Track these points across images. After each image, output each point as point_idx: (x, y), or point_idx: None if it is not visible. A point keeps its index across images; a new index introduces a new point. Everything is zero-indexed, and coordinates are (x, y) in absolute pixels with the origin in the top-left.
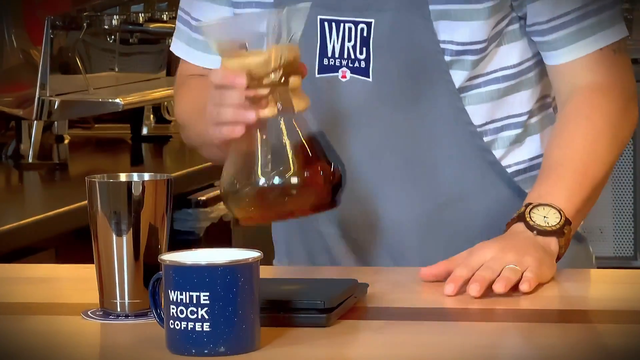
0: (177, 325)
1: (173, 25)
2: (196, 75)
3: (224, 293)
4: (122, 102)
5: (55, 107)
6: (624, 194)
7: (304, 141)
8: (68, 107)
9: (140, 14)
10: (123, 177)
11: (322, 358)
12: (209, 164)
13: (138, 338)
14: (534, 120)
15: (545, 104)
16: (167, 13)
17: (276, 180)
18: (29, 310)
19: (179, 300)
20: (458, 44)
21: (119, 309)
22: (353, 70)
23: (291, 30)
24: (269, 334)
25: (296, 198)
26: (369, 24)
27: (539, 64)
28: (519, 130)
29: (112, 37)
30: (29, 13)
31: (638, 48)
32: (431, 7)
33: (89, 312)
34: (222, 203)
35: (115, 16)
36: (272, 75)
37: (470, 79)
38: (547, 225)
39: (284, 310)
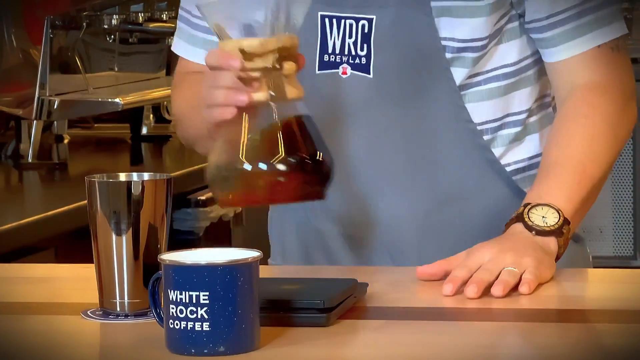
0: (177, 324)
1: (173, 25)
2: (195, 72)
3: (223, 293)
4: (122, 102)
5: (55, 106)
6: (623, 194)
7: (293, 129)
8: (68, 107)
9: (139, 14)
10: (123, 176)
11: (321, 358)
12: None
13: (138, 338)
14: (533, 119)
15: (545, 104)
16: (166, 13)
17: (262, 165)
18: (28, 310)
19: (178, 300)
20: (459, 41)
21: (118, 309)
22: (354, 67)
23: (291, 17)
24: (268, 334)
25: (281, 185)
26: (370, 21)
27: (538, 62)
28: (518, 129)
29: (112, 36)
30: (29, 13)
31: (638, 47)
32: (433, 4)
33: (88, 312)
34: None
35: (114, 16)
36: (267, 59)
37: (471, 76)
38: (545, 225)
39: (283, 310)
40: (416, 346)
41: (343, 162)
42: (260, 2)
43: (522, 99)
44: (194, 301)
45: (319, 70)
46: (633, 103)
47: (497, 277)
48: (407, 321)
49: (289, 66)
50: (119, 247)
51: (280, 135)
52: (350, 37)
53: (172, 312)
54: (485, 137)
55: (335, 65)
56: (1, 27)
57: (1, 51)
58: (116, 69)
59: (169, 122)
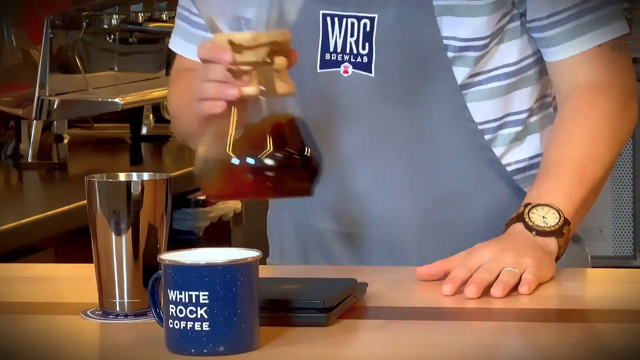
0: (177, 324)
1: (173, 25)
2: (191, 69)
3: (223, 292)
4: (122, 102)
5: (55, 106)
6: (623, 194)
7: (282, 124)
8: (67, 107)
9: (139, 14)
10: (122, 176)
11: (321, 357)
12: None
13: (137, 337)
14: (533, 119)
15: (545, 104)
16: (166, 12)
17: (249, 159)
18: (28, 310)
19: (178, 300)
20: (461, 40)
21: (118, 309)
22: (355, 66)
23: (284, 11)
24: (268, 334)
25: (268, 180)
26: (372, 19)
27: (539, 61)
28: (519, 128)
29: (112, 36)
30: (29, 12)
31: (637, 47)
32: (435, 3)
33: (88, 312)
34: (221, 203)
35: (114, 16)
36: (258, 53)
37: (472, 76)
38: (546, 225)
39: (283, 310)
40: (416, 346)
41: (344, 160)
42: None
43: (523, 99)
44: (194, 301)
45: (320, 69)
46: (634, 103)
47: (497, 277)
48: (406, 321)
49: (280, 61)
50: (118, 247)
51: (268, 130)
52: (352, 35)
53: (172, 312)
54: (486, 137)
55: (337, 64)
56: (1, 27)
57: (1, 51)
58: (116, 68)
59: (168, 122)
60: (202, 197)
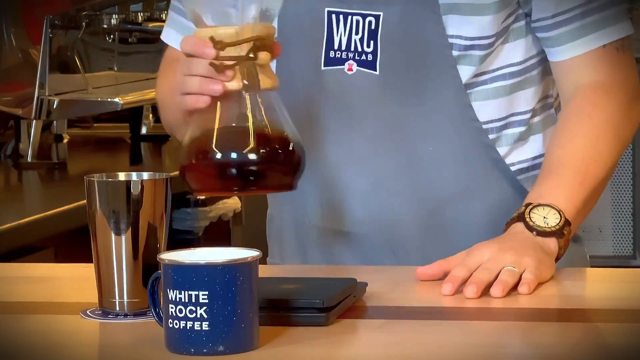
0: (176, 324)
1: None
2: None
3: (222, 292)
4: (121, 102)
5: (54, 106)
6: (623, 194)
7: (265, 119)
8: (67, 107)
9: (139, 14)
10: (122, 176)
11: (321, 357)
12: None
13: (137, 337)
14: (536, 119)
15: (547, 104)
16: (165, 12)
17: (233, 155)
18: (28, 310)
19: (177, 300)
20: (466, 38)
21: (117, 308)
22: (360, 63)
23: (269, 7)
24: (268, 333)
25: (251, 175)
26: (377, 17)
27: (543, 62)
28: (522, 129)
29: (111, 36)
30: (28, 12)
31: (637, 47)
32: (440, 1)
33: (87, 311)
34: (221, 202)
35: (114, 15)
36: (241, 47)
37: (477, 75)
38: (546, 225)
39: (283, 309)
40: (415, 346)
41: (347, 158)
42: None
43: (527, 99)
44: (193, 301)
45: (324, 66)
46: (637, 103)
47: (496, 277)
48: (406, 320)
49: (263, 56)
50: (118, 247)
51: (251, 126)
52: (356, 33)
53: (172, 312)
54: (490, 136)
55: (341, 61)
56: (0, 27)
57: (0, 51)
58: (115, 68)
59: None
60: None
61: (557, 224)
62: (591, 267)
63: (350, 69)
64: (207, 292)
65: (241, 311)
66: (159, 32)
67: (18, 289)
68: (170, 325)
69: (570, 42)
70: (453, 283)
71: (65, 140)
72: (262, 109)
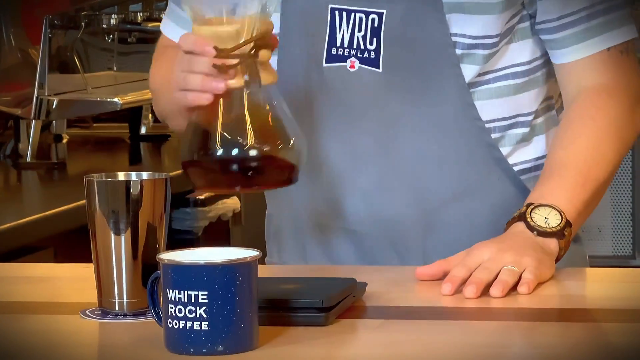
0: (176, 324)
1: None
2: (173, 47)
3: (222, 292)
4: (121, 102)
5: (54, 106)
6: (622, 194)
7: (266, 115)
8: (66, 107)
9: (138, 13)
10: (121, 176)
11: (320, 357)
12: None
13: (136, 337)
14: (539, 120)
15: (550, 105)
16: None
17: (235, 151)
18: (27, 310)
19: (177, 299)
20: (470, 37)
21: (117, 308)
22: (362, 61)
23: (266, 3)
24: (267, 333)
25: (254, 171)
26: (380, 15)
27: (548, 63)
28: (526, 129)
29: (111, 36)
30: (28, 12)
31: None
32: (444, 0)
33: (87, 311)
34: (220, 202)
35: (113, 15)
36: (242, 47)
37: (481, 74)
38: (547, 226)
39: (282, 309)
40: (415, 345)
41: (349, 155)
42: None
43: (531, 100)
44: (193, 300)
45: (326, 63)
46: None
47: (496, 277)
48: (406, 320)
49: (264, 53)
50: (117, 247)
51: (253, 121)
52: (359, 30)
53: (171, 312)
54: (493, 135)
55: (343, 58)
56: (0, 27)
57: (0, 51)
58: (115, 68)
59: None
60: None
61: (558, 224)
62: (590, 267)
63: (352, 66)
64: (206, 292)
65: (241, 311)
66: (159, 32)
67: (18, 289)
68: (170, 325)
69: (574, 45)
70: (453, 283)
71: (64, 140)
72: (264, 104)
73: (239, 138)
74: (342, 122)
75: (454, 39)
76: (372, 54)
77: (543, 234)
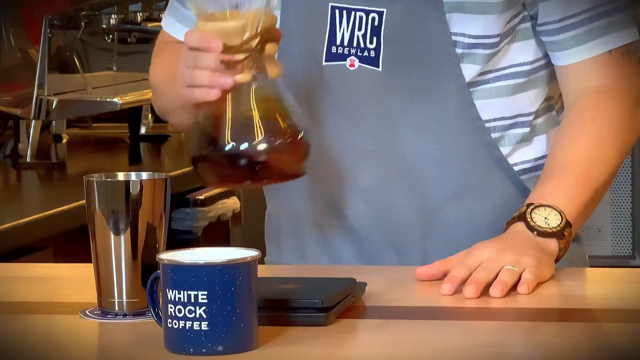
0: (175, 324)
1: None
2: (173, 43)
3: (222, 292)
4: (120, 102)
5: (53, 106)
6: (622, 194)
7: (275, 108)
8: (66, 107)
9: (138, 13)
10: (121, 176)
11: (320, 357)
12: None
13: (136, 337)
14: (539, 120)
15: (550, 106)
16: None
17: (244, 146)
18: (27, 310)
19: (177, 299)
20: (470, 36)
21: (116, 308)
22: (362, 60)
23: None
24: (267, 333)
25: (263, 165)
26: (380, 14)
27: (550, 64)
28: (526, 129)
29: (110, 36)
30: (27, 12)
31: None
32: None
33: (87, 311)
34: (220, 202)
35: (113, 15)
36: (249, 42)
37: (481, 74)
38: (547, 226)
39: (282, 309)
40: (415, 345)
41: (348, 154)
42: None
43: (531, 100)
44: (193, 300)
45: (325, 61)
46: None
47: (496, 277)
48: (405, 320)
49: (270, 47)
50: (117, 247)
51: (262, 115)
52: (359, 29)
53: (171, 312)
54: (493, 135)
55: (343, 57)
56: (0, 27)
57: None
58: (114, 68)
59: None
60: (201, 197)
61: (558, 225)
62: (590, 267)
63: (352, 65)
64: (206, 292)
65: (240, 311)
66: (158, 32)
67: (17, 289)
68: (170, 325)
69: (576, 47)
70: (452, 283)
71: (64, 140)
72: (271, 97)
73: (248, 132)
74: (341, 120)
75: (454, 38)
76: (372, 53)
77: (543, 234)
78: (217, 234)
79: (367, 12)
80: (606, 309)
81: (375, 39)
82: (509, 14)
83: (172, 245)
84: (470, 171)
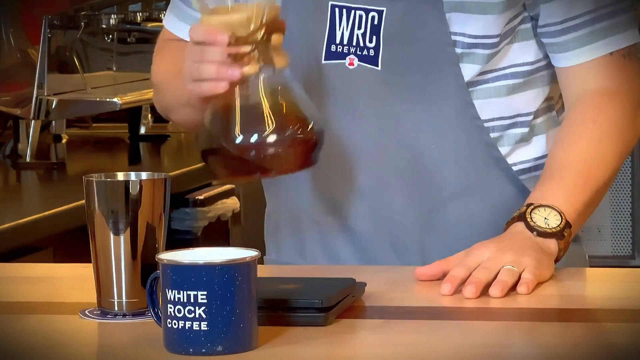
0: (175, 324)
1: None
2: (175, 40)
3: (221, 292)
4: (120, 102)
5: (53, 106)
6: (622, 194)
7: (283, 99)
8: (66, 107)
9: (137, 13)
10: (120, 176)
11: (320, 357)
12: None
13: (135, 337)
14: (539, 120)
15: (550, 106)
16: (164, 12)
17: (254, 138)
18: (26, 310)
19: (176, 299)
20: (470, 36)
21: (116, 308)
22: (361, 59)
23: None
24: (266, 333)
25: (274, 156)
26: (380, 12)
27: (550, 65)
28: (525, 130)
29: (110, 36)
30: (27, 12)
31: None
32: None
33: (86, 311)
34: (220, 202)
35: (113, 15)
36: (255, 33)
37: (481, 74)
38: (547, 227)
39: (281, 309)
40: (414, 345)
41: (347, 153)
42: None
43: (531, 100)
44: (192, 300)
45: (325, 60)
46: None
47: (495, 277)
48: (405, 320)
49: (276, 37)
50: (116, 247)
51: (272, 107)
52: (359, 28)
53: (170, 312)
54: (492, 135)
55: (342, 55)
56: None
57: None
58: (114, 68)
59: (167, 121)
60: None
61: (558, 225)
62: (590, 267)
63: (351, 64)
64: (205, 292)
65: (240, 311)
66: (158, 32)
67: (17, 289)
68: (169, 325)
69: (577, 49)
70: (452, 283)
71: (64, 140)
72: (279, 88)
73: (258, 124)
74: (341, 119)
75: (453, 38)
76: (372, 52)
77: (543, 234)
78: (217, 234)
79: (367, 11)
80: (606, 309)
81: (374, 37)
82: (509, 14)
83: (172, 245)
84: (469, 171)
